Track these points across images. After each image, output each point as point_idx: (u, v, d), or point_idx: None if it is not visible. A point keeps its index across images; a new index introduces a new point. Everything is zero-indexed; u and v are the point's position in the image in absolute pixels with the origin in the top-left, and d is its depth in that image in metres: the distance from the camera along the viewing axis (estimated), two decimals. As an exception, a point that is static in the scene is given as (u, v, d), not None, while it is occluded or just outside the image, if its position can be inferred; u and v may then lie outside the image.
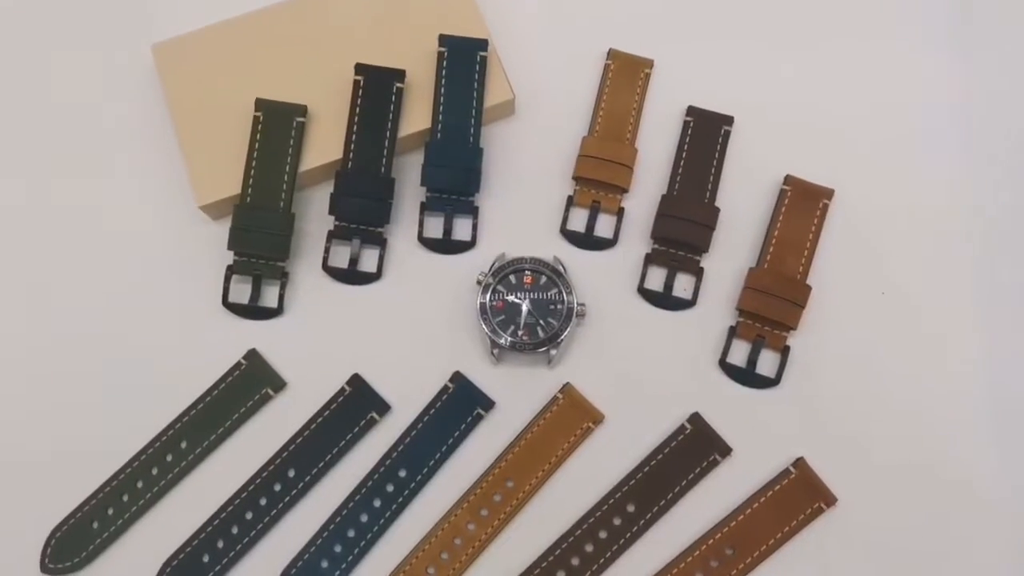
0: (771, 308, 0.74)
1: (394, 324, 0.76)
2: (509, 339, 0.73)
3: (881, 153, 0.81)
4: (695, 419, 0.73)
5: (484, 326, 0.73)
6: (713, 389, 0.75)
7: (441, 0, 0.80)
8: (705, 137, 0.80)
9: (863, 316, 0.76)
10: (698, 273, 0.77)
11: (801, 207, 0.78)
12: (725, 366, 0.75)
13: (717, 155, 0.80)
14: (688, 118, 0.81)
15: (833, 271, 0.77)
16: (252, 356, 0.75)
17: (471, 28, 0.79)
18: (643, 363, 0.75)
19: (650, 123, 0.82)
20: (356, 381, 0.74)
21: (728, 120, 0.81)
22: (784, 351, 0.75)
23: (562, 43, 0.83)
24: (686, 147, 0.80)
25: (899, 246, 0.78)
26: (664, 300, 0.77)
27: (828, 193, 0.78)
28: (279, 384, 0.74)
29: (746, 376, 0.75)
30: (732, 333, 0.76)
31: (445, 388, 0.74)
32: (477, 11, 0.80)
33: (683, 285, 0.77)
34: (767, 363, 0.75)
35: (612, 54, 0.82)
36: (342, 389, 0.74)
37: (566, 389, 0.74)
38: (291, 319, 0.76)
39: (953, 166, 0.80)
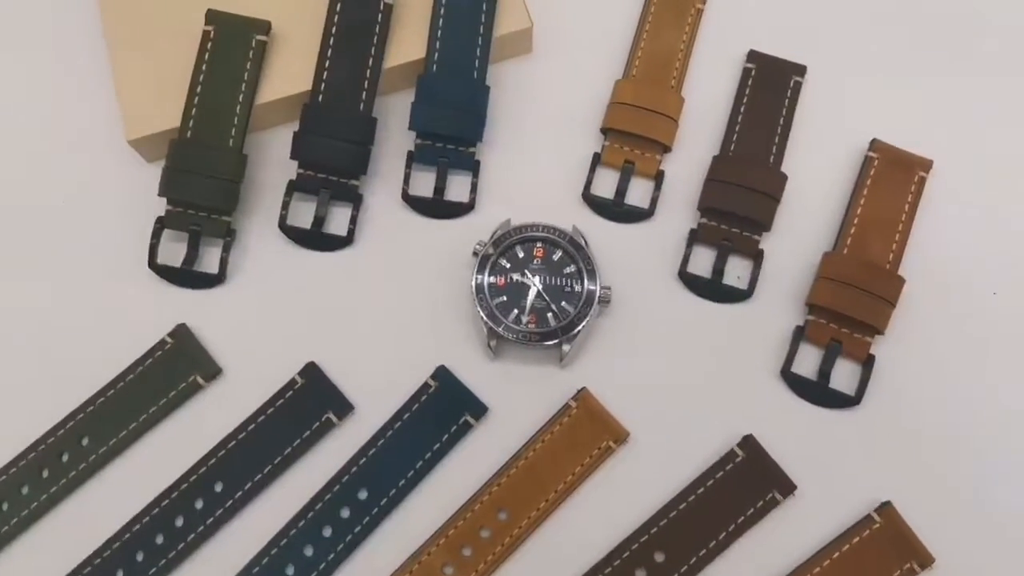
0: (852, 304, 0.57)
1: (365, 302, 0.59)
2: (511, 327, 0.56)
3: (994, 116, 0.63)
4: (748, 443, 0.56)
5: (480, 309, 0.56)
6: (772, 405, 0.57)
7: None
8: (770, 88, 0.64)
9: (969, 320, 0.59)
10: (757, 256, 0.60)
11: (891, 180, 0.61)
12: (789, 377, 0.58)
13: (785, 111, 0.63)
14: (749, 64, 0.64)
15: (931, 261, 0.60)
16: (180, 333, 0.58)
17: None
18: (682, 367, 0.58)
19: (700, 68, 0.65)
20: (311, 371, 0.57)
21: (800, 69, 0.64)
22: (867, 361, 0.58)
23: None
24: (745, 99, 0.64)
25: (1017, 234, 0.61)
26: (712, 289, 0.60)
27: (926, 164, 0.61)
28: (212, 370, 0.58)
29: (816, 391, 0.57)
30: (799, 335, 0.58)
31: (425, 386, 0.57)
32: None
33: (737, 270, 0.60)
34: (844, 375, 0.58)
35: (656, -17, 0.66)
36: (292, 381, 0.57)
37: (581, 396, 0.56)
38: (234, 289, 0.60)
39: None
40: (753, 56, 0.65)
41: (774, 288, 0.60)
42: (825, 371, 0.58)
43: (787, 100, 0.64)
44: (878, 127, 0.63)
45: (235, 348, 0.59)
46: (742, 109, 0.64)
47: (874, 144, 0.62)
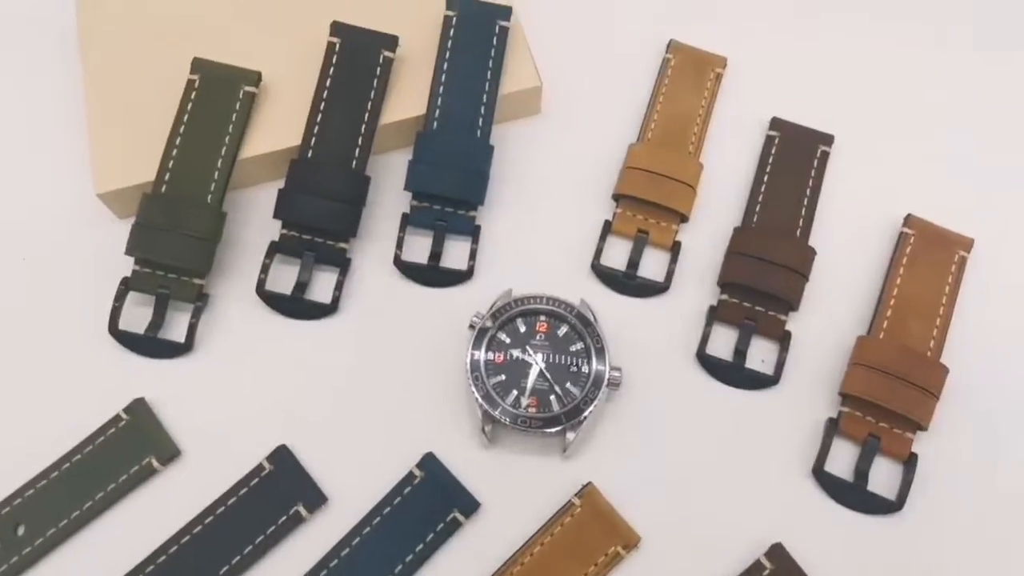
0: (891, 395, 0.51)
1: (347, 378, 0.53)
2: (509, 411, 0.50)
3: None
4: (777, 553, 0.49)
5: (474, 389, 0.50)
6: (803, 509, 0.51)
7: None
8: (795, 157, 0.59)
9: (1022, 415, 0.52)
10: (784, 338, 0.54)
11: (929, 259, 0.55)
12: (821, 476, 0.51)
13: (812, 181, 0.58)
14: (772, 132, 0.60)
15: (976, 348, 0.55)
16: (137, 409, 0.52)
17: (490, -9, 0.59)
18: (700, 462, 0.52)
19: (719, 134, 0.61)
20: (281, 456, 0.51)
21: (827, 139, 0.59)
22: (910, 460, 0.51)
23: (608, 29, 0.64)
24: (769, 167, 0.59)
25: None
26: (733, 373, 0.54)
27: (966, 243, 0.56)
28: (169, 452, 0.51)
29: (853, 494, 0.51)
30: (833, 428, 0.52)
31: (410, 476, 0.50)
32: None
33: (761, 353, 0.55)
34: (883, 476, 0.52)
35: (673, 47, 0.62)
36: (260, 466, 0.51)
37: (587, 492, 0.50)
38: (202, 360, 0.54)
39: None
40: (776, 123, 0.60)
41: (803, 374, 0.54)
42: (862, 470, 0.51)
43: (814, 170, 0.59)
44: (912, 201, 0.58)
45: (198, 427, 0.52)
46: (765, 179, 0.59)
47: (909, 220, 0.57)
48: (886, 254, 0.57)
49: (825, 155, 0.60)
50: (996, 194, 0.59)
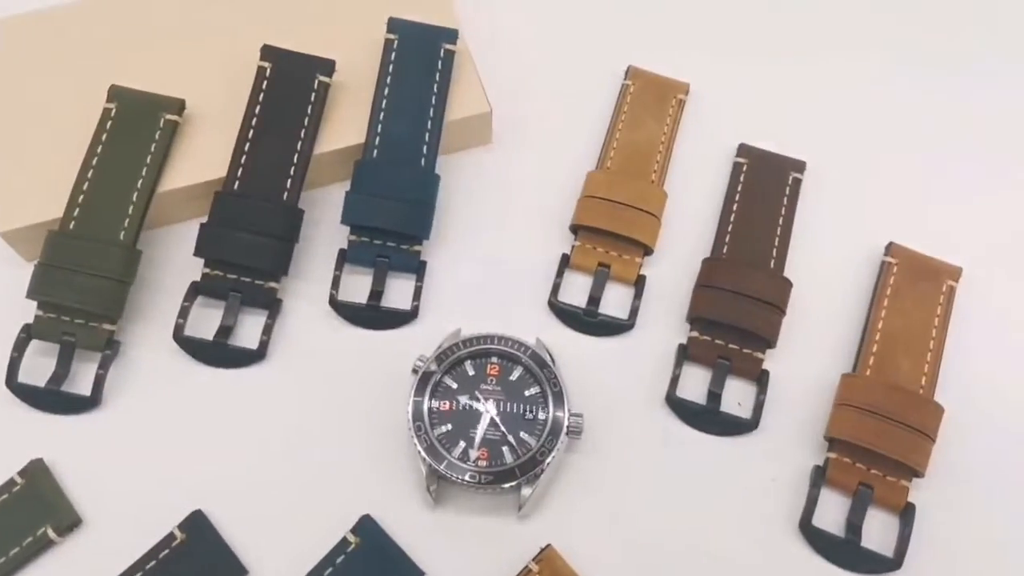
0: (883, 438, 0.46)
1: (275, 432, 0.48)
2: (456, 465, 0.44)
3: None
4: (763, 622, 0.42)
5: (417, 442, 0.44)
6: (791, 570, 0.44)
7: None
8: (766, 185, 0.55)
9: (1027, 459, 0.47)
10: (761, 378, 0.49)
11: (914, 289, 0.51)
12: (809, 532, 0.45)
13: (784, 210, 0.54)
14: (740, 159, 0.56)
15: (971, 385, 0.50)
16: (35, 471, 0.46)
17: (437, 15, 0.56)
18: (674, 519, 0.46)
19: (684, 162, 0.57)
20: (196, 523, 0.44)
21: (798, 165, 0.55)
22: (907, 512, 0.46)
23: (564, 54, 0.60)
24: (738, 196, 0.54)
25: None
26: (708, 418, 0.48)
27: (953, 272, 0.51)
28: (69, 520, 0.45)
29: (845, 552, 0.45)
30: (819, 477, 0.46)
31: (343, 544, 0.44)
32: (446, -8, 0.57)
33: (737, 395, 0.49)
34: (878, 529, 0.46)
35: (632, 72, 0.58)
36: (171, 536, 0.44)
37: (546, 556, 0.44)
38: (110, 415, 0.48)
39: None
40: (744, 150, 0.57)
41: (784, 417, 0.49)
42: (855, 524, 0.46)
43: (786, 198, 0.55)
44: (892, 229, 0.54)
45: (104, 491, 0.46)
46: (735, 207, 0.55)
47: (891, 248, 0.53)
48: (868, 285, 0.53)
49: (797, 182, 0.56)
50: (980, 219, 0.55)
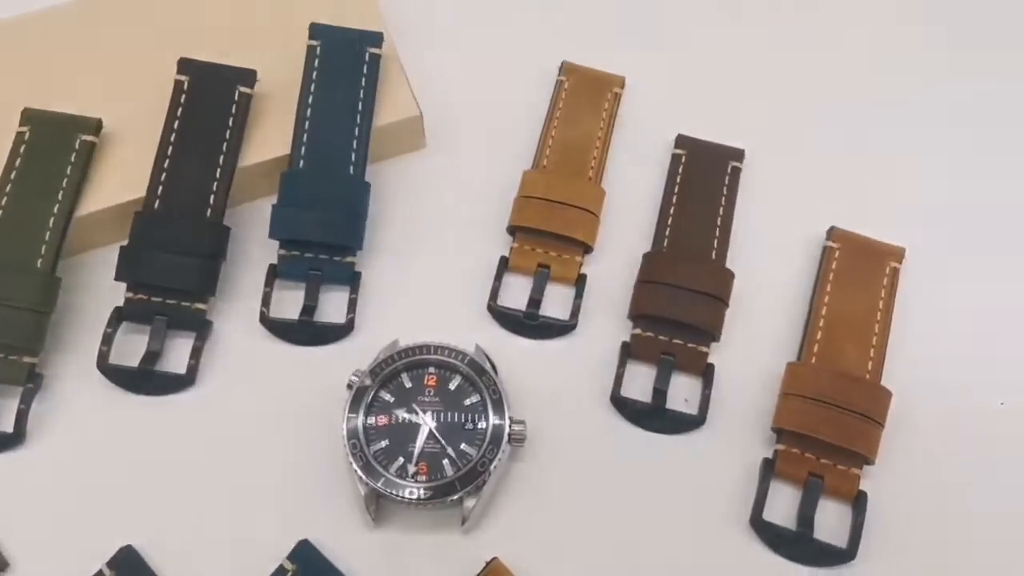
0: (830, 427, 0.45)
1: (208, 459, 0.46)
2: (394, 482, 0.42)
3: (967, 192, 0.54)
4: (717, 623, 0.41)
5: (352, 461, 0.43)
6: (743, 566, 0.44)
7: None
8: (705, 175, 0.54)
9: (976, 439, 0.47)
10: (707, 372, 0.48)
11: (857, 273, 0.50)
12: (761, 527, 0.44)
13: (724, 200, 0.53)
14: (679, 150, 0.55)
15: (919, 368, 0.49)
16: (-48, 515, 0.43)
17: (362, 19, 0.54)
18: (624, 522, 0.45)
19: (622, 157, 0.56)
20: (126, 559, 0.43)
21: (737, 153, 0.55)
22: (859, 501, 0.45)
23: (496, 54, 0.59)
24: (677, 188, 0.53)
25: (1020, 327, 0.50)
26: (654, 416, 0.47)
27: (897, 252, 0.51)
28: (-8, 565, 0.42)
29: (798, 545, 0.44)
30: (769, 470, 0.45)
31: (281, 571, 0.43)
32: (371, -4, 0.56)
33: (683, 391, 0.48)
34: (831, 520, 0.45)
35: (566, 68, 0.57)
36: (99, 574, 0.42)
37: (492, 569, 0.43)
38: (34, 451, 0.46)
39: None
40: (682, 141, 0.56)
41: (732, 411, 0.48)
42: (806, 516, 0.45)
43: (726, 187, 0.54)
44: (834, 214, 0.53)
45: (31, 530, 0.44)
46: (674, 200, 0.54)
47: (832, 232, 0.52)
48: (811, 272, 0.52)
49: (736, 171, 0.55)
50: (922, 198, 0.55)
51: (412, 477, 0.44)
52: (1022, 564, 0.44)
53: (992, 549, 0.44)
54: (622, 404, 0.48)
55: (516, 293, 0.52)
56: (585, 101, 0.57)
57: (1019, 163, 0.55)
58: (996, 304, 0.51)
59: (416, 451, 0.44)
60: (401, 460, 0.44)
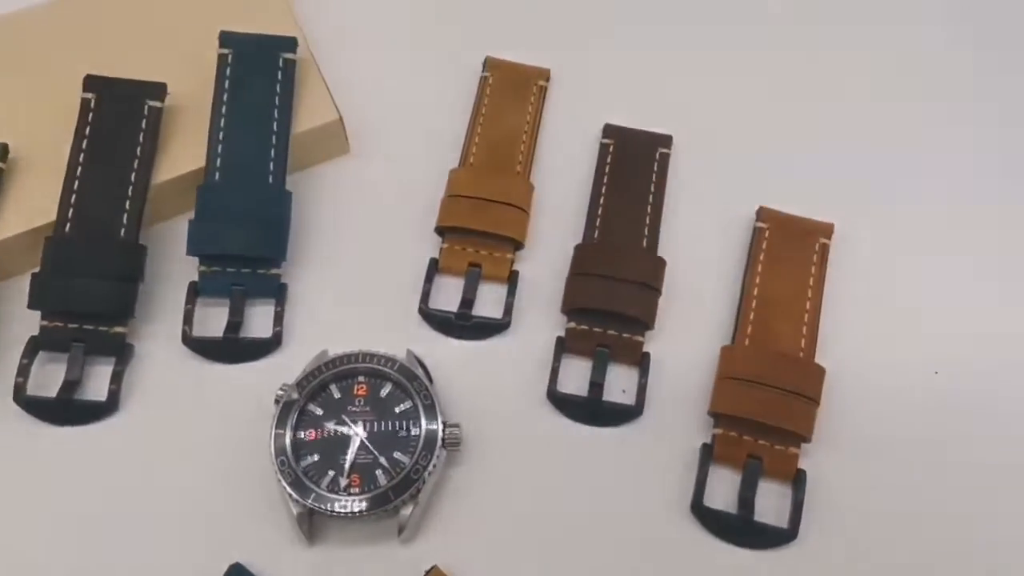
0: (765, 408, 0.44)
1: (133, 487, 0.45)
2: (325, 496, 0.41)
3: (896, 170, 0.54)
4: (662, 615, 0.41)
5: (281, 478, 0.41)
6: (686, 553, 0.43)
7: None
8: (633, 163, 0.54)
9: (913, 410, 0.47)
10: (642, 362, 0.48)
11: (787, 251, 0.50)
12: (702, 512, 0.44)
13: (654, 187, 0.53)
14: (606, 140, 0.54)
15: (852, 342, 0.49)
16: None
17: (276, 25, 0.53)
18: (566, 519, 0.44)
19: (550, 150, 0.55)
20: (51, 596, 0.41)
21: (664, 140, 0.54)
22: (798, 479, 0.44)
23: (418, 54, 0.58)
24: (606, 178, 0.53)
25: (950, 296, 0.50)
26: (591, 409, 0.47)
27: (826, 229, 0.51)
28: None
29: (740, 527, 0.44)
30: (707, 455, 0.45)
31: (213, 595, 0.41)
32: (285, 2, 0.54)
33: (620, 382, 0.48)
34: (773, 501, 0.45)
35: (490, 63, 0.57)
36: (22, 613, 0.40)
37: (432, 578, 0.41)
38: (-51, 491, 0.43)
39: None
40: (610, 130, 0.55)
41: (669, 399, 0.48)
42: (747, 499, 0.44)
43: (655, 174, 0.54)
44: (763, 195, 0.53)
45: (-53, 575, 0.42)
46: (604, 190, 0.53)
47: (761, 212, 0.52)
48: (744, 254, 0.52)
49: (665, 157, 0.54)
50: (849, 174, 0.54)
51: (344, 490, 0.42)
52: (961, 533, 0.44)
53: (933, 521, 0.44)
54: (559, 400, 0.47)
55: (449, 295, 0.51)
56: (510, 95, 0.56)
57: (941, 135, 0.55)
58: (926, 275, 0.51)
59: (347, 463, 0.43)
60: (332, 474, 0.43)
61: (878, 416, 0.47)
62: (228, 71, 0.51)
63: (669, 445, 0.46)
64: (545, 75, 0.57)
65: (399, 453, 0.43)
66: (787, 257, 0.50)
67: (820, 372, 0.46)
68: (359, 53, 0.58)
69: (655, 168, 0.54)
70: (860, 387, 0.47)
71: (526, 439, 0.47)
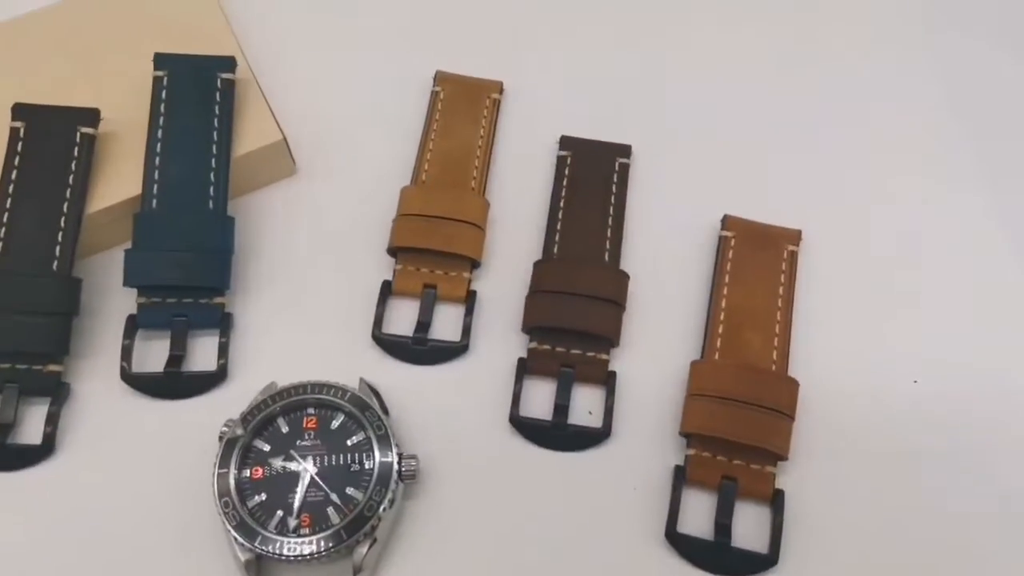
0: (739, 425, 0.42)
1: (70, 535, 0.42)
2: (272, 538, 0.38)
3: (854, 174, 0.53)
4: (636, 651, 0.38)
5: (225, 521, 0.39)
6: (663, 585, 0.41)
7: (168, 7, 0.51)
8: (592, 175, 0.52)
9: (893, 421, 0.45)
10: (608, 381, 0.45)
11: (755, 260, 0.48)
12: (676, 540, 0.41)
13: (614, 199, 0.51)
14: (563, 152, 0.52)
15: (824, 353, 0.46)
16: None
17: (214, 45, 0.51)
18: (534, 551, 0.42)
19: (505, 165, 0.53)
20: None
21: (623, 150, 0.52)
22: (776, 501, 0.42)
23: (366, 70, 0.56)
24: (564, 191, 0.51)
25: (925, 303, 0.48)
26: (557, 433, 0.44)
27: (793, 236, 0.49)
28: None
29: (716, 554, 0.41)
30: (680, 478, 0.43)
31: (154, 652, 0.38)
32: (221, 18, 0.52)
33: (586, 404, 0.45)
34: (751, 524, 0.42)
35: (440, 77, 0.55)
36: None
37: (389, 623, 0.39)
38: None
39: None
40: (567, 142, 0.53)
41: (638, 420, 0.46)
42: (723, 524, 0.42)
43: (615, 186, 0.52)
44: (727, 203, 0.51)
45: None
46: (562, 203, 0.51)
47: (727, 221, 0.50)
48: (710, 265, 0.50)
49: (625, 167, 0.53)
50: (814, 179, 0.53)
51: (294, 531, 0.40)
52: (946, 545, 0.42)
53: (916, 536, 0.42)
54: (522, 424, 0.45)
55: (403, 318, 0.48)
56: (463, 110, 0.54)
57: (912, 138, 0.54)
58: (899, 280, 0.49)
59: (297, 502, 0.40)
60: (280, 514, 0.40)
61: (856, 430, 0.45)
62: (164, 94, 0.49)
63: (639, 468, 0.44)
64: (498, 88, 0.56)
65: (352, 488, 0.41)
66: (755, 266, 0.48)
67: (794, 385, 0.44)
68: (302, 69, 0.56)
69: (615, 179, 0.52)
70: (835, 400, 0.45)
71: (489, 467, 0.44)
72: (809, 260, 0.49)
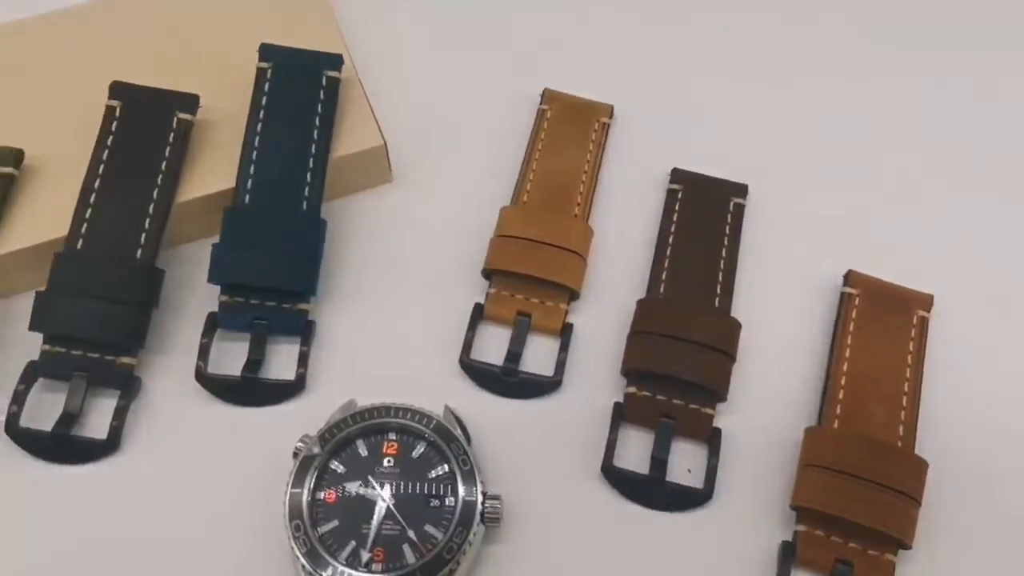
0: (858, 505, 0.38)
1: (131, 537, 0.40)
2: (344, 571, 0.35)
3: (996, 234, 0.48)
4: None
5: (295, 545, 0.36)
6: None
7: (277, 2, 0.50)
8: (705, 213, 0.48)
9: (1028, 517, 0.40)
10: (713, 438, 0.42)
11: (881, 322, 0.44)
12: (780, 623, 0.37)
13: (727, 240, 0.47)
14: (675, 185, 0.49)
15: (956, 433, 0.42)
16: None
17: (320, 40, 0.49)
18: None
19: (613, 193, 0.50)
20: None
21: (740, 189, 0.49)
22: (895, 593, 0.38)
23: (472, 81, 0.54)
24: (675, 226, 0.47)
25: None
26: (652, 490, 0.41)
27: (925, 300, 0.45)
28: None
29: (825, 646, 0.37)
30: (788, 556, 0.39)
31: None
32: (329, 14, 0.50)
33: (686, 460, 0.41)
34: (863, 617, 0.37)
35: (548, 96, 0.52)
36: None
37: None
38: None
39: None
40: (679, 175, 0.50)
41: (742, 484, 0.42)
42: (835, 613, 0.37)
43: (728, 227, 0.48)
44: (850, 258, 0.47)
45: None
46: (671, 240, 0.48)
47: (850, 277, 0.46)
48: (828, 321, 0.46)
49: (740, 208, 0.49)
50: (947, 239, 0.49)
51: (365, 566, 0.37)
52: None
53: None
54: (615, 475, 0.41)
55: (493, 345, 0.45)
56: (570, 131, 0.52)
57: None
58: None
59: (371, 534, 0.37)
60: (353, 544, 0.37)
61: (986, 520, 0.40)
62: (267, 86, 0.47)
63: (741, 539, 0.40)
64: (608, 111, 0.53)
65: (431, 526, 0.38)
66: (880, 329, 0.44)
67: (923, 465, 0.40)
68: (406, 75, 0.53)
69: (729, 219, 0.49)
70: (966, 484, 0.41)
71: (576, 518, 0.41)
72: (939, 328, 0.45)
